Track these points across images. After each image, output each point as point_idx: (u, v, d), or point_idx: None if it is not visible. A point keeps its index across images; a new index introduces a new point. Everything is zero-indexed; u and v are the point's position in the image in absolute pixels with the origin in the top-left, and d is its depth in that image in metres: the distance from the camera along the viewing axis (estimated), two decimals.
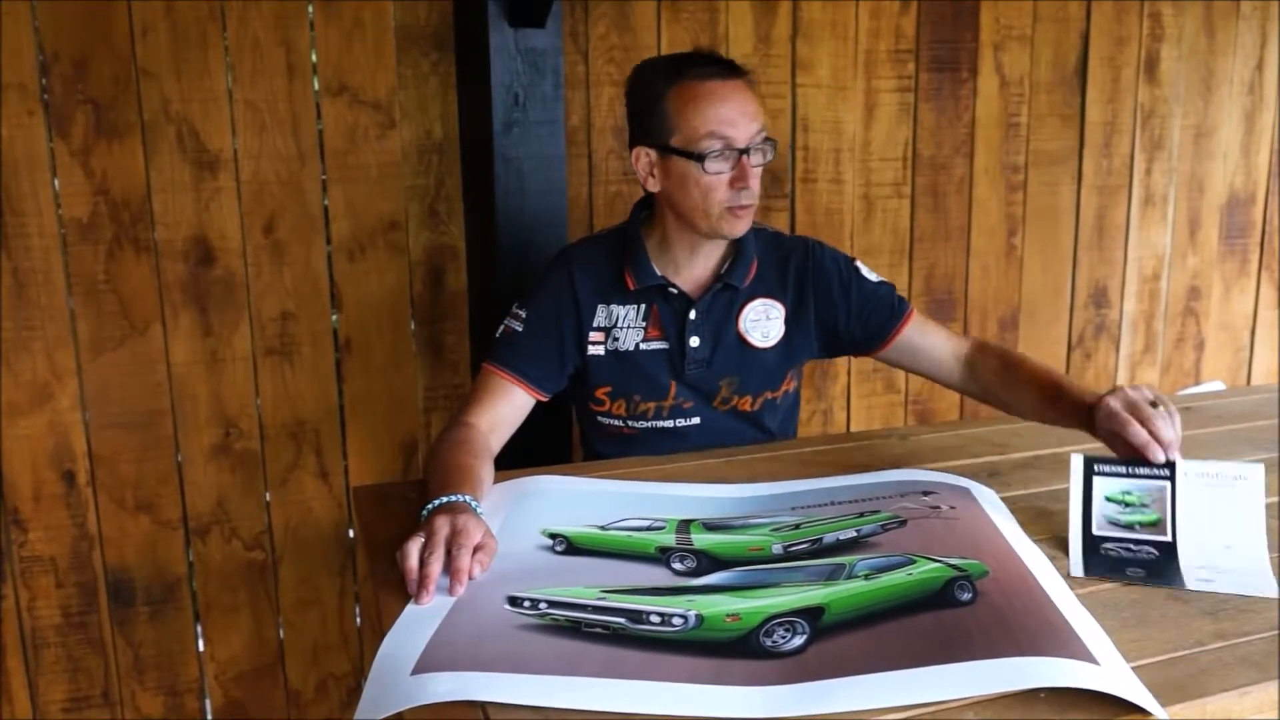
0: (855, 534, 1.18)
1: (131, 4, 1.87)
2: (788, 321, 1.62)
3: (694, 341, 1.59)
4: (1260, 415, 1.73)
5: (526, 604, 1.03)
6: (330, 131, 2.03)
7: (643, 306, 1.60)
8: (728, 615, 0.99)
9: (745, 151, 1.48)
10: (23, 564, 1.96)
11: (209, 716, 2.14)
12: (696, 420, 1.63)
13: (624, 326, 1.60)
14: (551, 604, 1.02)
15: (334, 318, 2.10)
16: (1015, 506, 1.31)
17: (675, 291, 1.59)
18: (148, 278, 1.95)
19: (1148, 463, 1.23)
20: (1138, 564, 1.16)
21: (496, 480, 1.39)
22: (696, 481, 1.42)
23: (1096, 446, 1.31)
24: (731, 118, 1.47)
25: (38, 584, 1.97)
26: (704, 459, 1.54)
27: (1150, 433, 1.24)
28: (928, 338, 1.63)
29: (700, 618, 0.99)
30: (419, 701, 0.86)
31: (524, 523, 1.25)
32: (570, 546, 1.19)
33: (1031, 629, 0.95)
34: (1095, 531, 1.22)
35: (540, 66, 1.96)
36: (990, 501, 1.30)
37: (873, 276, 1.65)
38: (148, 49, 1.89)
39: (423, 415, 2.19)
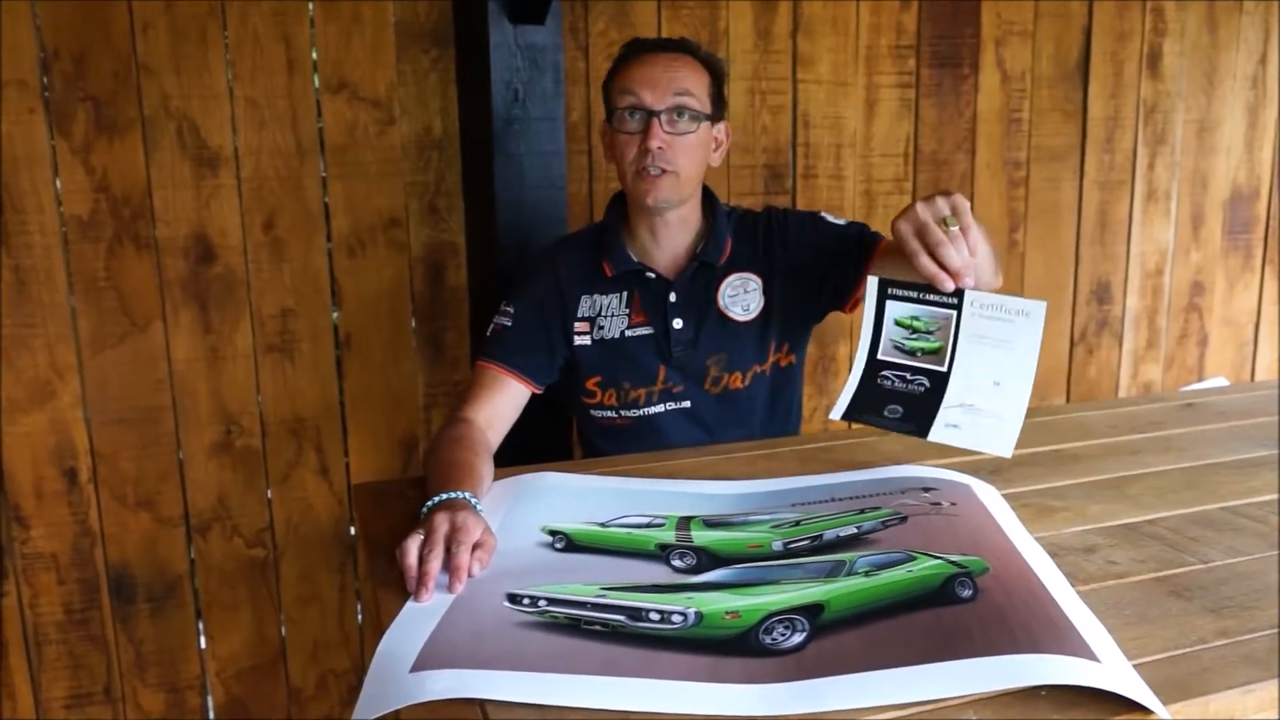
0: (855, 531, 1.18)
1: (131, 1, 1.87)
2: (766, 291, 1.63)
3: (677, 323, 1.61)
4: (1264, 411, 1.72)
5: (526, 601, 1.02)
6: (330, 128, 2.03)
7: (625, 294, 1.62)
8: (727, 612, 0.99)
9: (656, 114, 1.49)
10: (24, 561, 1.96)
11: (210, 713, 2.15)
12: (687, 404, 1.64)
13: (608, 315, 1.62)
14: (551, 601, 1.02)
15: (334, 314, 2.10)
16: (1016, 503, 1.30)
17: (653, 276, 1.62)
18: (148, 275, 1.95)
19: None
20: (900, 400, 1.15)
21: (496, 477, 1.39)
22: (696, 478, 1.42)
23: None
24: (649, 78, 1.51)
25: (39, 581, 1.98)
26: (704, 455, 1.54)
27: (938, 261, 1.20)
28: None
29: (700, 615, 0.98)
30: (417, 699, 0.86)
31: (523, 520, 1.25)
32: (570, 543, 1.19)
33: (1032, 626, 0.94)
34: (880, 355, 1.21)
35: (540, 63, 1.95)
36: (991, 498, 1.29)
37: (840, 221, 1.66)
38: (148, 46, 1.89)
39: (423, 411, 2.19)
